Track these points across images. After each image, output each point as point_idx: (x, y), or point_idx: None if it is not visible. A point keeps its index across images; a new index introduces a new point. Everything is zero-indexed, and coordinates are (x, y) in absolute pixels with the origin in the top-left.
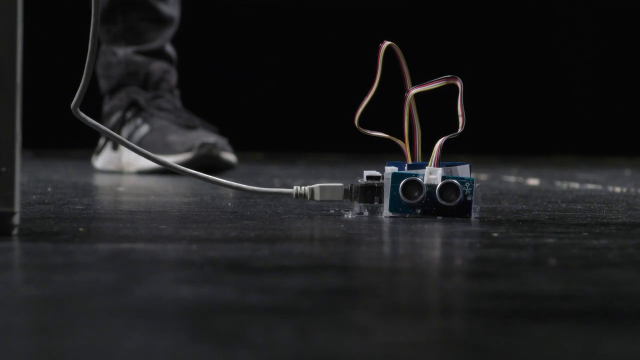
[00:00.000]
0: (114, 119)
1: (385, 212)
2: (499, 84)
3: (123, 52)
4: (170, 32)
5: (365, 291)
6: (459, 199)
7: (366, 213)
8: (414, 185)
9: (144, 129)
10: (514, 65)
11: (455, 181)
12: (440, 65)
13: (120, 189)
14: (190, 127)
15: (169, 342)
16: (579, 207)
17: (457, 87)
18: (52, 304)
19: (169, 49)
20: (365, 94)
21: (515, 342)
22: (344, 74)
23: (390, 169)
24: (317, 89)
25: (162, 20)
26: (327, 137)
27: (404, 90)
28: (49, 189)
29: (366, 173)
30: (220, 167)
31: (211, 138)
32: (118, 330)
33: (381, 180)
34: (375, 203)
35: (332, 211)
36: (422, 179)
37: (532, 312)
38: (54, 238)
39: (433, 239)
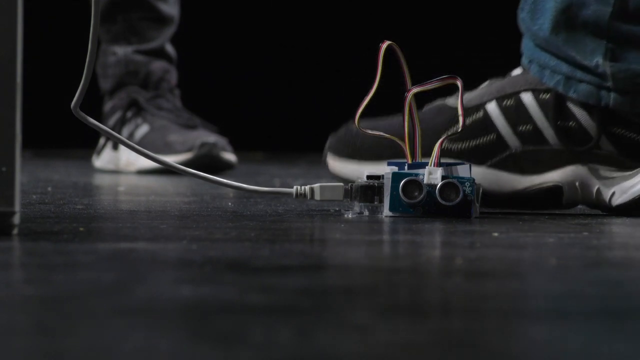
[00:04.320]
0: (114, 118)
1: (386, 211)
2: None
3: (123, 51)
4: (170, 31)
5: (365, 291)
6: (459, 199)
7: (366, 213)
8: (414, 185)
9: (144, 129)
10: (514, 64)
11: (455, 181)
12: (440, 65)
13: (121, 188)
14: (190, 127)
15: (169, 341)
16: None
17: (457, 86)
18: (52, 304)
19: (169, 48)
20: (366, 94)
21: (515, 342)
22: (344, 74)
23: (390, 169)
24: (317, 89)
25: (162, 20)
26: (327, 137)
27: (404, 90)
28: (49, 189)
29: (366, 173)
30: (220, 167)
31: (211, 138)
32: (118, 330)
33: (381, 180)
34: (376, 203)
35: (332, 211)
36: (422, 179)
37: (532, 312)
38: (54, 238)
39: (433, 239)
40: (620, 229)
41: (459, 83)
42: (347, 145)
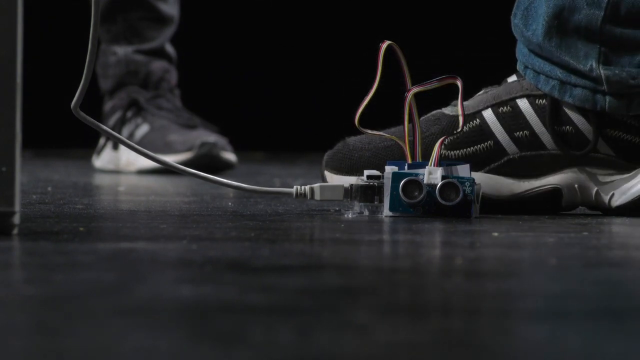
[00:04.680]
0: (114, 118)
1: (386, 211)
2: (495, 84)
3: (123, 51)
4: (170, 31)
5: (365, 291)
6: (459, 199)
7: (366, 213)
8: (414, 184)
9: (144, 129)
10: (513, 65)
11: (455, 181)
12: (440, 65)
13: (121, 188)
14: (190, 127)
15: (169, 341)
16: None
17: (457, 86)
18: (53, 304)
19: (169, 48)
20: (366, 94)
21: (515, 341)
22: (344, 73)
23: (390, 169)
24: (317, 89)
25: (162, 20)
26: (327, 137)
27: (404, 90)
28: (49, 189)
29: (366, 172)
30: (220, 167)
31: (211, 137)
32: (118, 330)
33: (381, 180)
34: (376, 203)
35: (332, 211)
36: (422, 179)
37: (532, 312)
38: (54, 238)
39: (433, 239)
40: (620, 229)
41: (459, 83)
42: (344, 160)
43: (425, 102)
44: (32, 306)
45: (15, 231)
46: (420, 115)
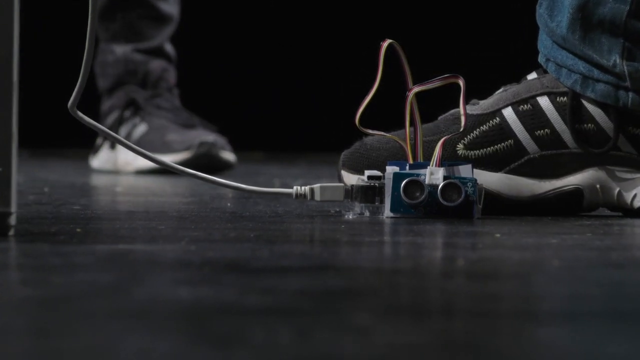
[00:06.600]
0: (112, 117)
1: (387, 212)
2: (499, 83)
3: (122, 50)
4: (169, 30)
5: (365, 292)
6: (460, 199)
7: (367, 213)
8: (415, 185)
9: (142, 128)
10: (514, 64)
11: (457, 181)
12: (442, 64)
13: (118, 189)
14: (189, 126)
15: (168, 343)
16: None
17: (459, 85)
18: (50, 305)
19: (168, 47)
20: (366, 93)
21: (517, 343)
22: (345, 73)
23: (391, 169)
24: (317, 89)
25: (161, 19)
26: (327, 137)
27: (405, 89)
28: (46, 189)
29: (367, 173)
30: (219, 167)
31: (210, 137)
32: (116, 331)
33: (382, 181)
34: (376, 203)
35: (332, 212)
36: (424, 179)
37: (535, 313)
38: (51, 239)
39: (435, 240)
40: (623, 229)
41: (461, 82)
42: (362, 159)
43: (427, 101)
44: (29, 308)
45: (12, 232)
46: (421, 115)
